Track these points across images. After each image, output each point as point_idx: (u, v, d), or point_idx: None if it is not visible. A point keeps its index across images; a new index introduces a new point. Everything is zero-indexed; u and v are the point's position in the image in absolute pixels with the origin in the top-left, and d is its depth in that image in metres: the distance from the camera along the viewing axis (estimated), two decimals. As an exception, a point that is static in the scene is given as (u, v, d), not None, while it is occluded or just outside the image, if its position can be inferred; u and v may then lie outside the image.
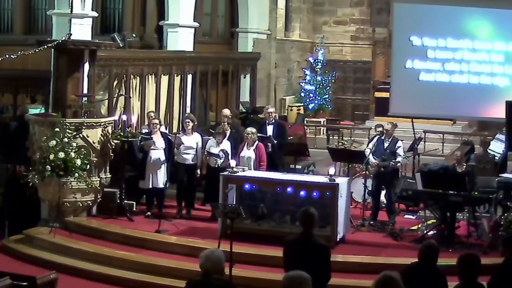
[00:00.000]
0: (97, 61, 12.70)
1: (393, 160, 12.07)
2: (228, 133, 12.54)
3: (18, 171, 13.15)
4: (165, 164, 12.22)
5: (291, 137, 15.77)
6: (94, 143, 11.85)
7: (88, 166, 11.67)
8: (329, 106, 23.00)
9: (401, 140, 12.69)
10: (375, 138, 12.35)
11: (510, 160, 13.64)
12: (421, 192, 11.52)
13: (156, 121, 12.51)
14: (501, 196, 11.31)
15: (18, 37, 14.28)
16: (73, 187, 11.65)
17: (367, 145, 12.74)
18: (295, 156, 14.39)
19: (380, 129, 12.37)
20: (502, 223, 10.55)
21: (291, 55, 23.18)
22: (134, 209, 12.64)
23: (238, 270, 8.80)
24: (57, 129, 11.47)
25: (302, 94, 22.88)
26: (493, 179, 11.89)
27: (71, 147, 11.47)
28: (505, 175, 12.04)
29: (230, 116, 13.51)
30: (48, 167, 11.32)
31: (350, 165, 13.39)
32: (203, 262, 5.91)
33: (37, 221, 12.09)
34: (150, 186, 12.29)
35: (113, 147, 12.17)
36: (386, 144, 12.21)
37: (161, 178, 12.20)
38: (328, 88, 22.86)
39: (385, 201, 12.36)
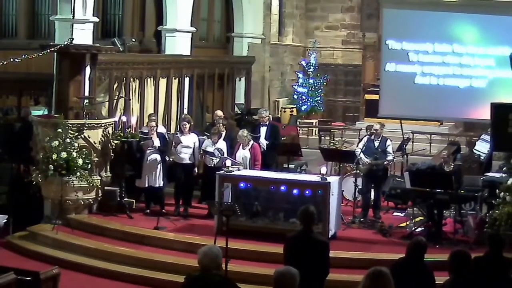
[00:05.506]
0: (98, 64, 12.81)
1: (386, 159, 12.37)
2: (223, 133, 12.73)
3: (22, 170, 13.28)
4: (161, 164, 12.37)
5: (285, 138, 15.91)
6: (95, 143, 12.05)
7: (89, 166, 11.87)
8: (321, 108, 23.18)
9: (390, 140, 12.94)
10: (365, 138, 12.60)
11: (495, 160, 13.72)
12: (409, 190, 11.72)
13: (153, 123, 12.67)
14: (486, 194, 11.53)
15: (22, 41, 14.35)
16: (75, 185, 11.83)
17: (357, 145, 12.96)
18: (288, 156, 14.42)
19: (373, 130, 12.58)
20: (487, 220, 10.77)
21: (284, 59, 23.28)
22: (134, 207, 12.78)
23: (233, 266, 9.01)
24: (59, 130, 11.67)
25: (295, 96, 23.06)
26: (478, 178, 12.09)
27: (73, 147, 11.68)
28: (490, 174, 12.27)
29: (222, 117, 13.73)
30: (51, 167, 11.53)
31: (341, 165, 13.57)
32: (201, 258, 5.93)
33: (40, 218, 12.23)
34: (146, 185, 12.46)
35: (113, 147, 12.36)
36: (376, 144, 12.46)
37: (157, 177, 12.34)
38: (320, 90, 23.06)
39: (372, 198, 12.54)
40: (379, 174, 12.49)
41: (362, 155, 12.43)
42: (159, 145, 12.44)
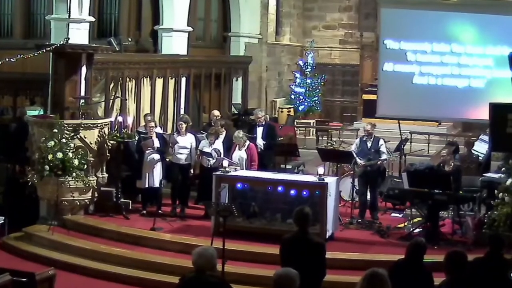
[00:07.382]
0: (94, 64, 12.81)
1: (380, 159, 12.36)
2: (222, 135, 12.70)
3: (18, 171, 13.26)
4: (160, 163, 12.40)
5: (282, 138, 15.94)
6: (91, 143, 12.05)
7: (85, 166, 11.86)
8: (318, 108, 23.18)
9: (383, 139, 12.91)
10: (357, 140, 12.58)
11: (493, 160, 13.67)
12: (407, 191, 11.70)
13: (152, 124, 12.69)
14: (485, 195, 11.50)
15: (18, 41, 14.32)
16: (71, 186, 11.83)
17: (353, 147, 12.90)
18: (286, 156, 14.49)
19: (364, 130, 12.59)
20: (485, 221, 10.78)
21: (281, 58, 23.25)
22: (130, 208, 12.78)
23: (230, 267, 9.03)
24: (55, 130, 11.66)
25: (292, 96, 23.03)
26: (477, 179, 12.05)
27: (69, 148, 11.67)
28: (488, 174, 12.22)
29: (219, 117, 13.75)
30: (47, 167, 11.51)
31: (338, 165, 13.49)
32: (196, 259, 5.94)
33: (36, 219, 12.23)
34: (147, 186, 12.47)
35: (110, 147, 12.33)
36: (369, 144, 12.45)
37: (157, 177, 12.36)
38: (318, 90, 23.06)
39: (369, 199, 12.54)
40: (374, 175, 12.45)
41: (356, 157, 12.40)
42: (158, 145, 12.46)
